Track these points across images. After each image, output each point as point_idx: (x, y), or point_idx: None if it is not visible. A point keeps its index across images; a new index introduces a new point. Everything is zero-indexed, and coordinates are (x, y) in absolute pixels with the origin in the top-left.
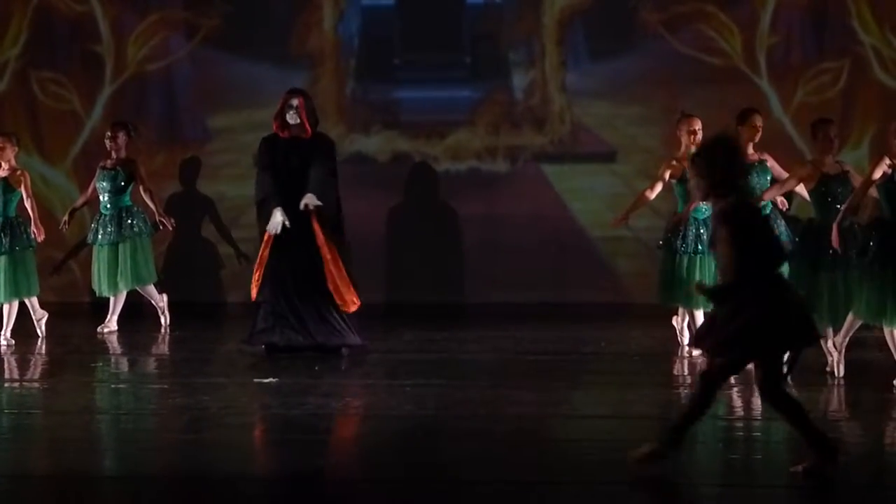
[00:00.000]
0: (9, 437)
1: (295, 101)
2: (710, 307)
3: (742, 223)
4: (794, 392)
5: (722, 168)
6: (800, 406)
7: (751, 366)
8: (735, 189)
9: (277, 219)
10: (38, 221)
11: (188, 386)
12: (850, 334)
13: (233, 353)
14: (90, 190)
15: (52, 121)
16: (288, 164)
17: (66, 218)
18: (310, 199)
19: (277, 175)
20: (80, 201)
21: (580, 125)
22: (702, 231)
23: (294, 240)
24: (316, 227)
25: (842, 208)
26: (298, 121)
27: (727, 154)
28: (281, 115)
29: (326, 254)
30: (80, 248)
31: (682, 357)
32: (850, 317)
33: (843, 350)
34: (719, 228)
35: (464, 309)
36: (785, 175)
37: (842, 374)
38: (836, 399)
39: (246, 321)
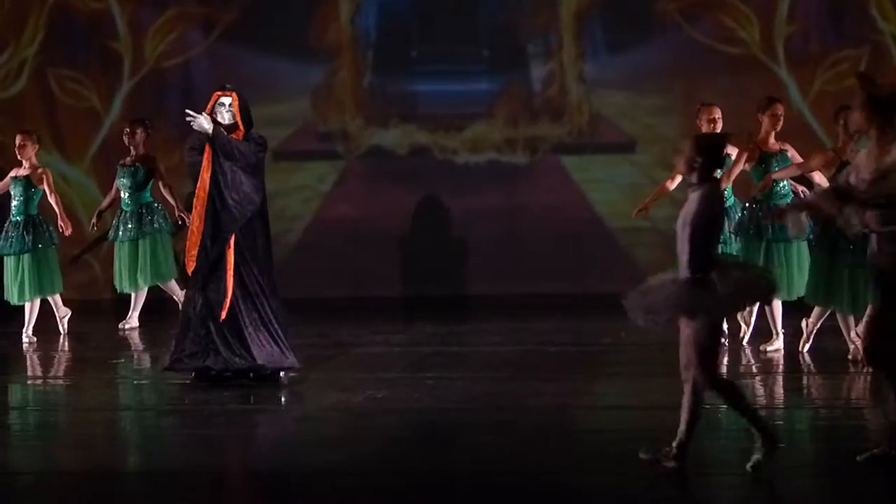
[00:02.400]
0: (33, 434)
1: (227, 100)
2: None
3: (721, 207)
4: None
5: (719, 158)
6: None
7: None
8: (714, 178)
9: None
10: (64, 215)
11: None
12: None
13: None
14: (114, 189)
15: (70, 118)
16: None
17: (94, 220)
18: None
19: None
20: (106, 202)
21: (599, 116)
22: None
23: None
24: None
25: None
26: (232, 121)
27: (723, 148)
28: (210, 114)
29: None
30: (99, 242)
31: None
32: (871, 308)
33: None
34: (702, 208)
35: (484, 301)
36: None
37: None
38: (858, 387)
39: None
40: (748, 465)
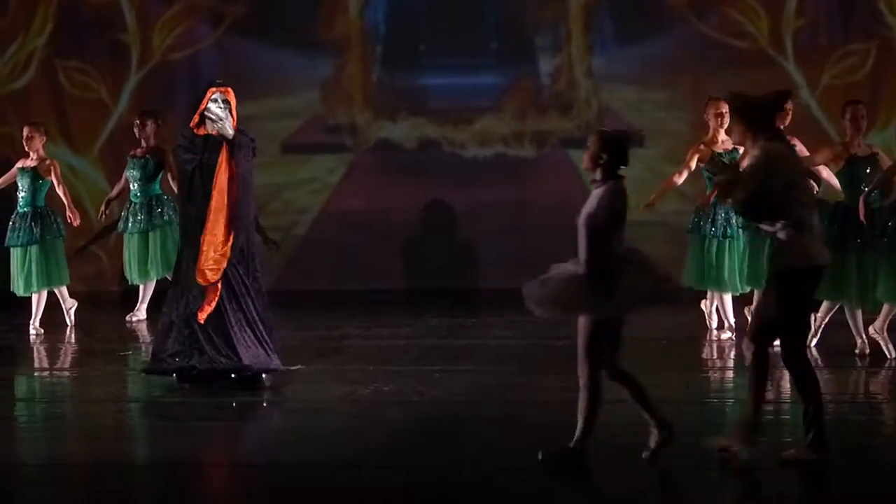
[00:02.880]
0: (40, 425)
1: (223, 96)
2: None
3: (623, 205)
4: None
5: (624, 155)
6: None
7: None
8: (619, 175)
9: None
10: (73, 206)
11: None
12: (889, 318)
13: None
14: (123, 179)
15: (78, 110)
16: (204, 164)
17: (102, 209)
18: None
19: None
20: (115, 192)
21: (607, 110)
22: (731, 215)
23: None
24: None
25: (872, 183)
26: (227, 117)
27: (628, 145)
28: (205, 110)
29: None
30: (106, 233)
31: (711, 341)
32: (886, 307)
33: (885, 332)
34: (605, 206)
35: (491, 295)
36: None
37: (894, 355)
38: (865, 382)
39: (272, 309)
40: (644, 455)
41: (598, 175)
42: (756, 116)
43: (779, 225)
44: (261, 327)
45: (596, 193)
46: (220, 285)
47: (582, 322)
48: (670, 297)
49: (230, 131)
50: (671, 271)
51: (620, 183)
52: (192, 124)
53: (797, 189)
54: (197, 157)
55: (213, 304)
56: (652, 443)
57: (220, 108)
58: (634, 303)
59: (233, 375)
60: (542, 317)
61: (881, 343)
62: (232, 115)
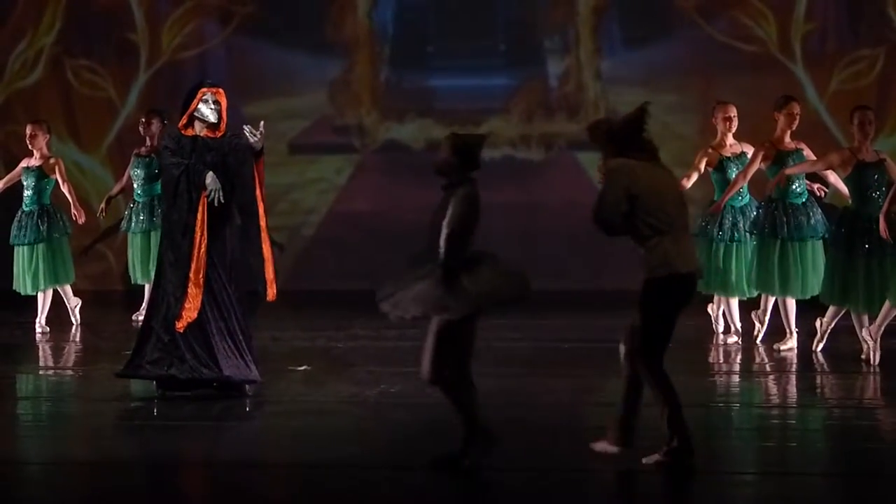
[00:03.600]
0: (45, 424)
1: (215, 97)
2: (752, 292)
3: (476, 209)
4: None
5: (475, 159)
6: (472, 393)
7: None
8: (471, 179)
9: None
10: (78, 203)
11: None
12: (887, 322)
13: (266, 341)
14: (125, 177)
15: (86, 108)
16: (191, 168)
17: (102, 206)
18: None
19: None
20: (116, 189)
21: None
22: (738, 219)
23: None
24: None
25: (887, 198)
26: (217, 119)
27: (479, 149)
28: (195, 111)
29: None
30: (111, 233)
31: (717, 344)
32: (886, 305)
33: (879, 338)
34: (459, 211)
35: None
36: None
37: (877, 361)
38: (871, 387)
39: (279, 309)
40: (464, 463)
41: (450, 179)
42: (612, 138)
43: (634, 239)
44: (240, 337)
45: (451, 197)
46: (200, 294)
47: (434, 323)
48: (525, 297)
49: (253, 140)
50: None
51: (473, 186)
52: (179, 125)
53: (646, 200)
54: (184, 161)
55: (195, 314)
56: (472, 452)
57: (211, 109)
58: (489, 303)
59: (214, 384)
60: (395, 319)
61: (870, 348)
62: (222, 117)
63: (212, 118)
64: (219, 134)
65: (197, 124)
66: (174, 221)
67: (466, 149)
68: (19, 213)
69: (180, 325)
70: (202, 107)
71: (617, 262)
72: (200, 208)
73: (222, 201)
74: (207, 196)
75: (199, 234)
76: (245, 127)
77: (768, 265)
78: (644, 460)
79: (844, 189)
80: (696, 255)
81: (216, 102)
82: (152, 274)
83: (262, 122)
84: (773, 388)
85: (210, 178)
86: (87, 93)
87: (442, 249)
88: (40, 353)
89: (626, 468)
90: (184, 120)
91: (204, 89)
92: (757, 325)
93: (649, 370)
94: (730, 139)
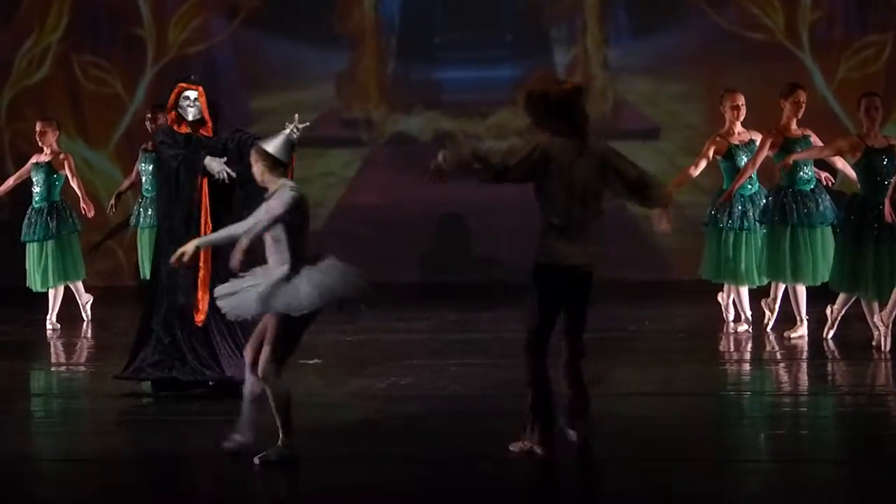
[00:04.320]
0: (57, 420)
1: (192, 94)
2: (762, 281)
3: (307, 206)
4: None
5: (287, 164)
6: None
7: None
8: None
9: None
10: (87, 198)
11: None
12: None
13: None
14: (134, 173)
15: (94, 105)
16: (187, 159)
17: (112, 201)
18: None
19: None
20: (126, 185)
21: (623, 102)
22: (748, 207)
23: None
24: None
25: (893, 183)
26: (198, 116)
27: (290, 152)
28: (174, 108)
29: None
30: (121, 230)
31: (727, 333)
32: (895, 292)
33: (891, 324)
34: (291, 209)
35: (507, 288)
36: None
37: (888, 348)
38: (882, 374)
39: None
40: (256, 459)
41: (272, 185)
42: (547, 111)
43: None
44: (240, 336)
45: (278, 199)
46: (208, 280)
47: (272, 321)
48: (368, 296)
49: (295, 136)
50: (685, 264)
51: (296, 189)
52: (169, 122)
53: (553, 193)
54: (181, 152)
55: (206, 306)
56: (274, 449)
57: (191, 106)
58: (329, 301)
59: (210, 383)
60: (234, 318)
61: (881, 335)
62: (205, 116)
63: (188, 115)
64: (208, 129)
65: (188, 115)
66: (176, 216)
67: (273, 158)
68: (29, 209)
69: (199, 318)
70: (181, 103)
71: (625, 252)
72: (204, 199)
73: (232, 176)
74: (216, 177)
75: (203, 225)
76: (288, 125)
77: (779, 253)
78: (509, 446)
79: (853, 174)
80: (596, 252)
81: (195, 100)
82: None
83: (296, 116)
84: (784, 376)
85: (209, 159)
86: (94, 89)
87: (275, 249)
88: (52, 350)
89: (636, 457)
90: (172, 116)
91: (182, 85)
92: (767, 313)
93: (525, 350)
94: (738, 127)
